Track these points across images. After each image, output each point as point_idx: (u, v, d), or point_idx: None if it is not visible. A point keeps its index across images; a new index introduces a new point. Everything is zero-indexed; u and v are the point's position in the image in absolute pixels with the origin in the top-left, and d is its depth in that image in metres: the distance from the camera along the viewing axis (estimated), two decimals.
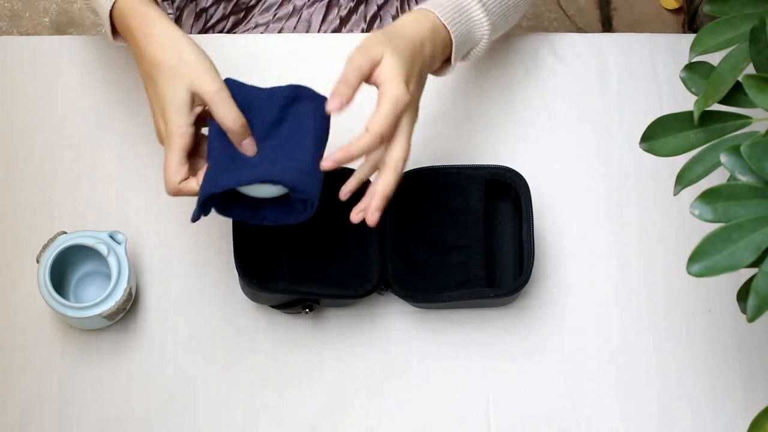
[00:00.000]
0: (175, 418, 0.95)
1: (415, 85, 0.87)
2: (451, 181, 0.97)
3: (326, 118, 0.86)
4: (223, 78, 0.86)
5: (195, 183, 0.85)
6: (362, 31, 1.16)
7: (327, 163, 0.83)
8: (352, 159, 0.83)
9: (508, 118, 1.07)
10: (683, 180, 0.79)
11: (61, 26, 1.94)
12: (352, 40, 1.11)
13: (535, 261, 1.00)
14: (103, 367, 0.96)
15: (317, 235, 0.95)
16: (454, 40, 0.92)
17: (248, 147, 0.86)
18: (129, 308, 0.96)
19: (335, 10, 1.17)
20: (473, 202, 0.96)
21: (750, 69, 0.76)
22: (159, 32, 0.88)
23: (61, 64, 1.08)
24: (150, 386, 0.96)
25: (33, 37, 1.11)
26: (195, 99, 0.85)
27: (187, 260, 1.00)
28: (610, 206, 1.04)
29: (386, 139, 0.84)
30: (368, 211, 0.84)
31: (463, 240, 0.96)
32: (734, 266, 0.68)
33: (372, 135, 0.83)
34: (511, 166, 0.97)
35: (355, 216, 0.84)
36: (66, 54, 1.08)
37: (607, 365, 0.99)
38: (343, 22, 1.17)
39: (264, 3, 1.18)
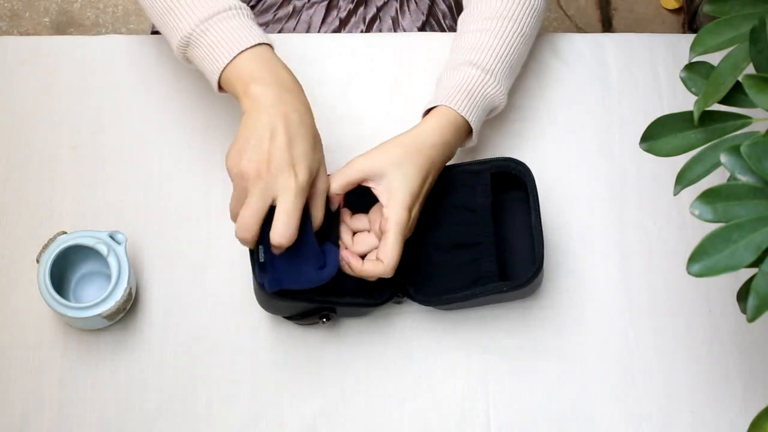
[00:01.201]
0: (175, 418, 0.95)
1: (419, 205, 0.92)
2: (456, 179, 0.97)
3: None
4: None
5: None
6: (361, 32, 1.16)
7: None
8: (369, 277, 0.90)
9: (508, 119, 1.07)
10: (683, 180, 0.79)
11: (61, 26, 1.94)
12: (351, 40, 1.12)
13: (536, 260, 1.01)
14: (103, 367, 0.96)
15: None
16: (474, 127, 0.97)
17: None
18: (129, 308, 0.96)
19: (335, 12, 1.17)
20: (480, 198, 0.96)
21: (750, 69, 0.76)
22: (300, 91, 0.90)
23: (61, 64, 1.08)
24: (150, 386, 0.96)
25: (33, 37, 1.11)
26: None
27: (187, 260, 1.00)
28: (610, 206, 1.04)
29: (396, 266, 0.89)
30: (348, 265, 0.90)
31: (472, 237, 0.96)
32: (734, 266, 0.68)
33: (386, 268, 0.89)
34: None
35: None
36: (66, 54, 1.08)
37: (607, 365, 0.99)
38: (343, 23, 1.17)
39: (264, 3, 1.18)
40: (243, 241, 0.86)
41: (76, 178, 1.03)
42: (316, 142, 0.88)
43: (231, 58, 0.89)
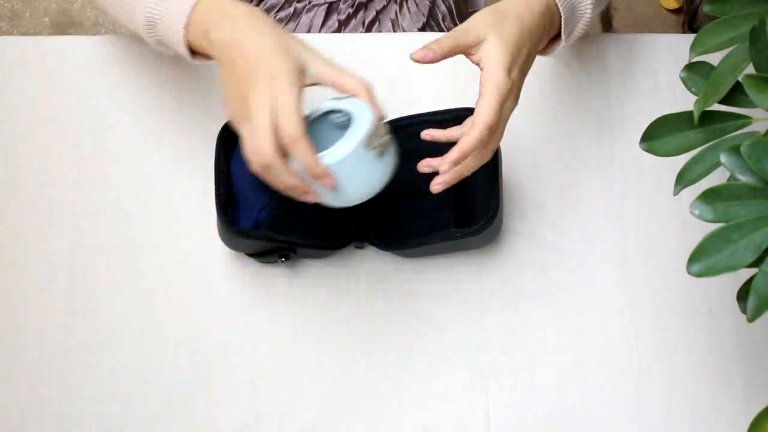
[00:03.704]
0: (175, 418, 0.95)
1: (519, 71, 0.87)
2: (420, 129, 0.94)
3: None
4: None
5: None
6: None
7: (447, 174, 0.84)
8: (467, 156, 0.84)
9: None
10: (683, 180, 0.79)
11: (61, 26, 1.94)
12: (352, 40, 1.12)
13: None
14: (104, 367, 0.96)
15: None
16: (563, 16, 0.93)
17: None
18: (388, 145, 0.86)
19: (334, 15, 1.17)
20: (443, 146, 0.94)
21: (750, 69, 0.76)
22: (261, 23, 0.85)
23: (61, 64, 1.08)
24: (150, 386, 0.96)
25: (33, 37, 1.11)
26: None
27: (187, 260, 1.00)
28: (610, 206, 1.05)
29: (493, 128, 0.84)
30: (439, 181, 0.85)
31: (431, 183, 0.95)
32: (734, 266, 0.68)
33: (481, 126, 0.83)
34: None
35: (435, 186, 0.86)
36: (66, 54, 1.08)
37: (607, 365, 0.99)
38: (342, 26, 1.17)
39: (265, 5, 1.18)
40: (263, 158, 0.80)
41: (76, 178, 1.03)
42: (287, 45, 0.82)
43: (186, 22, 0.87)
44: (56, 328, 0.97)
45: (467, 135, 0.84)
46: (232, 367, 0.97)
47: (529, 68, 0.90)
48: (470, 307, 0.99)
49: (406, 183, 0.96)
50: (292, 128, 0.78)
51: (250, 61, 0.81)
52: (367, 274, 1.00)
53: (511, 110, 0.87)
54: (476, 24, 0.87)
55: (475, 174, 0.95)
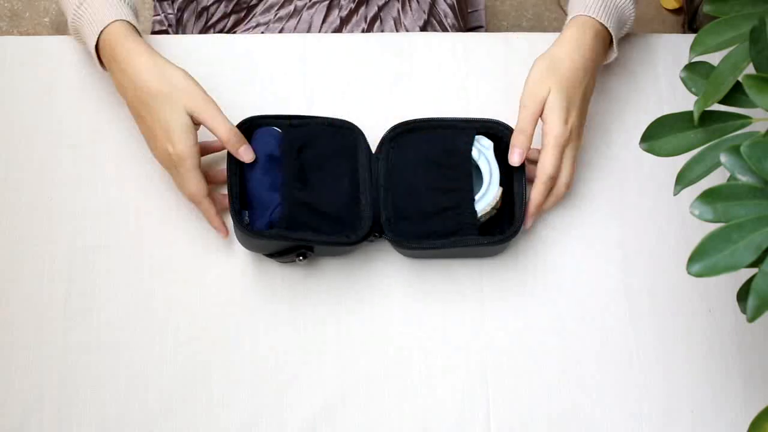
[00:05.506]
0: (175, 418, 0.95)
1: (577, 113, 0.97)
2: (442, 132, 0.98)
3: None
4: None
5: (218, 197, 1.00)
6: (362, 32, 1.16)
7: (528, 226, 0.99)
8: (541, 205, 0.97)
9: (507, 119, 1.07)
10: (683, 180, 0.79)
11: (61, 26, 1.94)
12: (352, 39, 1.12)
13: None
14: (103, 367, 0.96)
15: (311, 182, 0.96)
16: (613, 35, 1.01)
17: (245, 154, 0.95)
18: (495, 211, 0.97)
19: (336, 11, 1.17)
20: (462, 145, 0.97)
21: (750, 69, 0.76)
22: (147, 62, 0.95)
23: (61, 64, 1.08)
24: (150, 386, 0.96)
25: (33, 37, 1.11)
26: (194, 120, 0.94)
27: (188, 260, 1.00)
28: (610, 206, 1.05)
29: (554, 176, 0.96)
30: (525, 220, 0.97)
31: (451, 181, 0.96)
32: (734, 266, 0.68)
33: (545, 177, 0.95)
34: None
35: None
36: (66, 54, 1.08)
37: (608, 365, 0.99)
38: (344, 23, 1.17)
39: (266, 3, 1.18)
40: (202, 200, 0.97)
41: (76, 178, 1.03)
42: (167, 99, 0.93)
43: (94, 44, 0.98)
44: (56, 328, 0.97)
45: (534, 188, 0.96)
46: (232, 367, 0.97)
47: (589, 99, 0.99)
48: (470, 307, 1.00)
49: (426, 179, 0.97)
50: (195, 192, 0.96)
51: (147, 114, 0.95)
52: (367, 275, 1.00)
53: (576, 149, 0.98)
54: (536, 83, 0.97)
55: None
